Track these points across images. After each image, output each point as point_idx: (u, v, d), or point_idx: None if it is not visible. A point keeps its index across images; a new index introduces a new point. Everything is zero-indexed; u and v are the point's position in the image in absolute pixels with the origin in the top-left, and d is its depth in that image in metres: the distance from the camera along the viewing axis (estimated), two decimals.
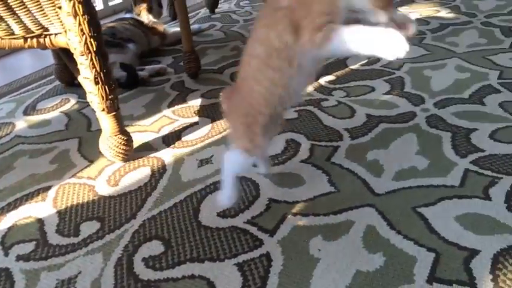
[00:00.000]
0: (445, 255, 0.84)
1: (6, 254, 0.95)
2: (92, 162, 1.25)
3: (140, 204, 1.07)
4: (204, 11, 2.50)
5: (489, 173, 1.03)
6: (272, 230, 0.95)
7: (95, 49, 1.05)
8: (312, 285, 0.81)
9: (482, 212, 0.93)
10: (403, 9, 2.13)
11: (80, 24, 1.01)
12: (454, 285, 0.78)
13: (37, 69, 1.94)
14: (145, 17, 1.97)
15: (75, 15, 1.00)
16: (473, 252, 0.84)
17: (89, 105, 1.54)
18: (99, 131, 1.34)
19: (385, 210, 0.97)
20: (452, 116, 1.27)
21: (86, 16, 1.01)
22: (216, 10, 2.49)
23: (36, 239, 0.98)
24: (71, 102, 1.60)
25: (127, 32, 1.86)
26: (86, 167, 1.22)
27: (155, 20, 2.01)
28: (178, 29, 2.08)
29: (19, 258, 0.94)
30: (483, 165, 1.06)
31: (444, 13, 2.08)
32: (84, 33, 1.03)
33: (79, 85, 1.69)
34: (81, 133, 1.40)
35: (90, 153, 1.29)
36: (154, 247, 0.94)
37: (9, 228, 1.02)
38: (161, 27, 2.02)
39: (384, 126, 1.26)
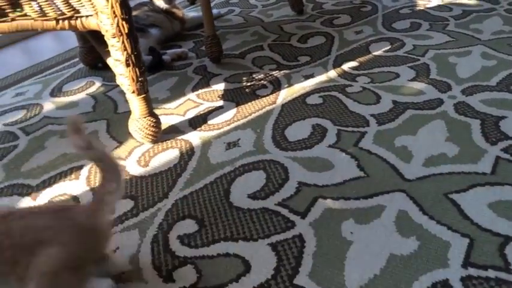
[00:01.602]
0: (479, 240, 0.85)
1: None
2: (121, 143, 1.27)
3: (171, 184, 1.08)
4: None
5: None
6: (303, 213, 0.96)
7: (126, 31, 1.06)
8: (346, 267, 0.83)
9: None
10: None
11: (112, 7, 1.02)
12: (489, 270, 0.79)
13: (59, 52, 1.95)
14: (158, 2, 1.96)
15: None
16: (507, 239, 0.85)
17: (114, 87, 1.57)
18: (126, 113, 1.36)
19: (416, 195, 0.97)
20: (480, 103, 1.26)
21: None
22: None
23: None
24: (96, 85, 1.61)
25: (150, 18, 1.86)
26: (115, 148, 1.24)
27: (170, 5, 1.99)
28: (197, 13, 2.09)
29: None
30: None
31: (466, 0, 2.06)
32: (116, 15, 1.03)
33: (103, 68, 1.72)
34: (108, 115, 1.41)
35: (118, 134, 1.31)
36: (188, 225, 0.96)
37: None
38: (180, 12, 2.01)
39: (411, 113, 1.26)
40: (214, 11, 2.20)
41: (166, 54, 1.73)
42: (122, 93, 1.52)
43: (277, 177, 1.07)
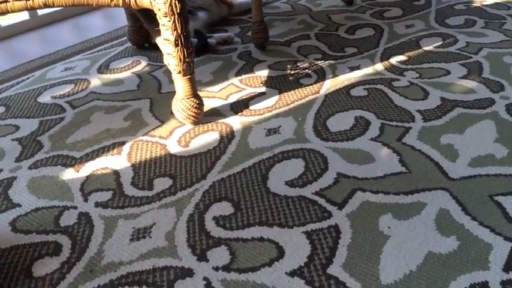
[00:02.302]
0: None
1: (86, 200, 1.00)
2: (163, 122, 1.28)
3: (210, 166, 1.09)
4: None
5: None
6: (341, 204, 0.95)
7: (178, 11, 1.07)
8: (382, 261, 0.81)
9: None
10: None
11: None
12: None
13: (108, 30, 2.00)
14: None
15: None
16: None
17: (159, 67, 1.59)
18: (169, 93, 1.38)
19: (459, 195, 0.94)
20: None
21: None
22: None
23: (113, 188, 1.03)
24: (142, 64, 1.64)
25: (198, 1, 1.87)
26: (157, 127, 1.26)
27: None
28: None
29: (98, 204, 0.99)
30: None
31: None
32: None
33: (149, 48, 1.75)
34: (152, 94, 1.44)
35: (161, 113, 1.33)
36: (224, 208, 0.97)
37: (88, 177, 1.08)
38: None
39: (460, 111, 1.22)
40: None
41: (212, 37, 1.74)
42: (167, 73, 1.54)
43: (316, 167, 1.06)
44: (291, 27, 1.88)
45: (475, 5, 1.94)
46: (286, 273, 0.81)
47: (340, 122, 1.22)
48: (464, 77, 1.38)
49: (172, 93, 1.35)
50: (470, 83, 1.34)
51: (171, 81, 1.47)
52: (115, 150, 1.16)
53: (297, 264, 0.82)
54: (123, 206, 0.98)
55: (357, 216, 0.91)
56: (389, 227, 0.88)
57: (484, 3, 1.94)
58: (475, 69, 1.42)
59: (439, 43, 1.62)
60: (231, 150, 1.14)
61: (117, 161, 1.13)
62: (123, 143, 1.20)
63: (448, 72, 1.42)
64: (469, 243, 0.83)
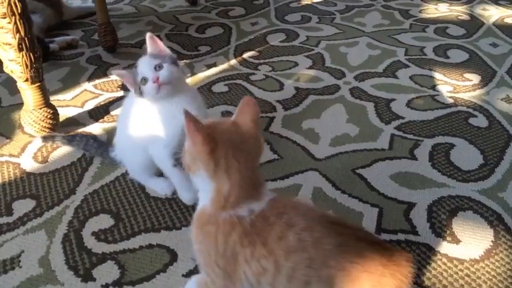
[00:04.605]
0: (387, 209, 0.93)
1: None
2: (10, 139, 1.13)
3: (77, 179, 1.00)
4: None
5: (411, 136, 1.15)
6: None
7: (19, 11, 0.95)
8: None
9: (412, 171, 1.04)
10: None
11: None
12: (399, 233, 0.87)
13: None
14: None
15: None
16: (410, 205, 0.94)
17: None
18: (12, 106, 1.24)
19: (327, 173, 1.03)
20: (372, 88, 1.38)
21: None
22: None
23: None
24: None
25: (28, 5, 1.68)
26: (4, 145, 1.11)
27: None
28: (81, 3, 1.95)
29: None
30: (405, 130, 1.18)
31: None
32: None
33: None
34: None
35: (6, 129, 1.17)
36: (103, 220, 0.90)
37: None
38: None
39: (313, 98, 1.33)
40: None
41: (54, 42, 1.59)
42: (5, 84, 1.36)
43: None
44: (139, 28, 1.82)
45: (306, 2, 2.13)
46: (182, 275, 0.79)
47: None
48: (310, 68, 1.51)
49: (16, 105, 1.21)
50: (316, 73, 1.47)
51: (12, 93, 1.32)
52: None
53: (192, 264, 0.81)
54: None
55: None
56: None
57: (315, 0, 2.15)
58: (318, 60, 1.56)
59: (284, 38, 1.74)
60: (99, 159, 1.06)
61: None
62: None
63: (296, 64, 1.53)
64: (344, 214, 0.91)
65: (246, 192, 0.61)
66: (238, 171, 0.59)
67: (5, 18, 0.94)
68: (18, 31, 0.96)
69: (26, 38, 0.99)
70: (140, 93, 0.85)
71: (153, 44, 0.88)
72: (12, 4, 0.93)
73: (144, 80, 0.84)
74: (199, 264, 0.66)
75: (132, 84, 0.87)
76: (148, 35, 0.88)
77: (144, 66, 0.84)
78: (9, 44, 0.98)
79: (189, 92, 0.91)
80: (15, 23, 0.95)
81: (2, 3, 0.92)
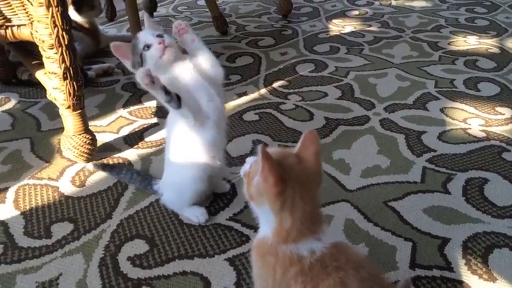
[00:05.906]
0: (421, 243, 0.92)
1: None
2: (49, 162, 1.18)
3: (113, 204, 1.03)
4: (141, 15, 2.45)
5: (444, 170, 1.15)
6: (256, 226, 0.96)
7: (66, 43, 1.00)
8: None
9: (445, 205, 1.03)
10: (337, 22, 2.27)
11: (52, 16, 0.96)
12: (434, 269, 0.86)
13: None
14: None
15: (49, 6, 0.95)
16: (445, 240, 0.93)
17: (33, 104, 1.46)
18: (51, 131, 1.29)
19: (359, 204, 1.03)
20: (402, 119, 1.38)
21: (59, 8, 0.96)
22: (155, 14, 2.45)
23: (2, 242, 0.91)
24: (12, 102, 1.48)
25: None
26: (44, 168, 1.15)
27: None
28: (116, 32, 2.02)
29: None
30: (437, 164, 1.17)
31: (375, 27, 2.25)
32: (56, 26, 0.97)
33: (17, 83, 1.59)
34: (30, 133, 1.30)
35: (45, 153, 1.21)
36: (138, 246, 0.92)
37: None
38: (93, 27, 1.90)
39: (343, 129, 1.34)
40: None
41: (91, 69, 1.65)
42: (44, 109, 1.42)
43: (222, 194, 1.07)
44: None
45: (334, 33, 2.16)
46: None
47: (239, 146, 1.25)
48: (340, 98, 1.53)
49: (55, 130, 1.25)
50: (346, 103, 1.49)
51: (51, 118, 1.37)
52: None
53: None
54: (20, 260, 0.87)
55: None
56: None
57: (343, 31, 2.18)
58: (347, 91, 1.58)
59: (313, 68, 1.77)
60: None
61: (1, 210, 0.99)
62: (6, 189, 1.06)
63: (325, 94, 1.55)
64: (377, 247, 0.91)
65: (307, 228, 0.62)
66: (303, 210, 0.61)
67: (52, 49, 0.99)
68: (64, 61, 1.01)
69: (71, 68, 1.03)
70: (138, 63, 0.89)
71: (150, 23, 0.94)
72: (60, 36, 0.98)
73: (147, 47, 0.88)
74: (256, 286, 0.68)
75: (127, 57, 0.91)
76: (145, 15, 0.96)
77: (146, 35, 0.90)
78: (55, 73, 1.03)
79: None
80: (62, 53, 1.00)
81: (51, 35, 0.97)
